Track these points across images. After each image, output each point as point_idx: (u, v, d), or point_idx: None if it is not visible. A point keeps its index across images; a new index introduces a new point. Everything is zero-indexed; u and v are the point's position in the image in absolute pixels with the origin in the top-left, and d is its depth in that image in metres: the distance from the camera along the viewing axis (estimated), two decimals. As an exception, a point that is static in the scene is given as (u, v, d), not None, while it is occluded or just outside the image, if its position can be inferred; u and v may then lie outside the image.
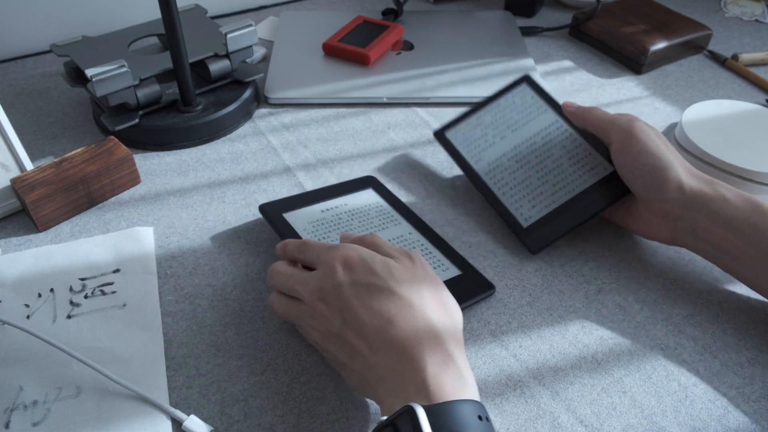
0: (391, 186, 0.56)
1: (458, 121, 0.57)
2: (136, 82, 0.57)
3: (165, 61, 0.60)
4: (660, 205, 0.46)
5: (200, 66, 0.62)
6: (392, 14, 0.80)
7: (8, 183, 0.51)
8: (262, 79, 0.69)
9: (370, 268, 0.37)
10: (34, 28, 0.74)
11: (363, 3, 0.87)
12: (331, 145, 0.61)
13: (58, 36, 0.74)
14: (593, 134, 0.52)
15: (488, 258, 0.50)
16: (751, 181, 0.54)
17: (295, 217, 0.50)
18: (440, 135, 0.56)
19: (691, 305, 0.47)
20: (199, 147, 0.61)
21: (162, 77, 0.61)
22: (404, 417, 0.30)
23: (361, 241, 0.41)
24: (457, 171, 0.59)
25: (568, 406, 0.40)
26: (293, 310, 0.40)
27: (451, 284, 0.46)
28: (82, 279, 0.47)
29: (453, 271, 0.48)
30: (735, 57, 0.75)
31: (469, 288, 0.46)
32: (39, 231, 0.51)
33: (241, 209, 0.54)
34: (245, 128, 0.64)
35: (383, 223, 0.51)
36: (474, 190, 0.56)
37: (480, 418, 0.31)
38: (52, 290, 0.46)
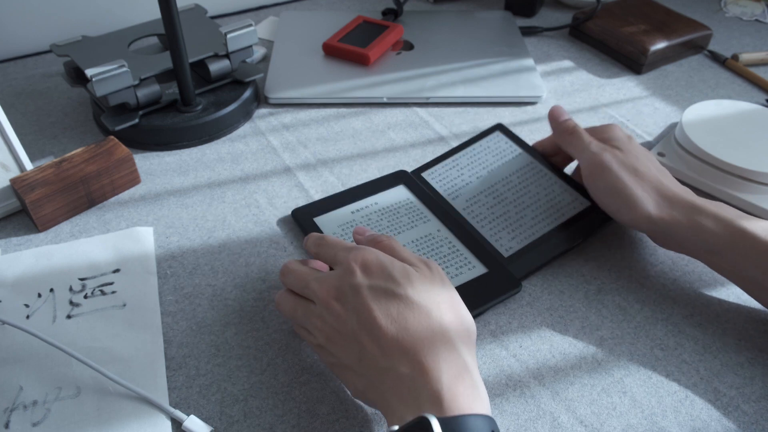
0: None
1: (434, 163, 0.57)
2: (136, 82, 0.57)
3: (165, 61, 0.60)
4: (637, 228, 0.48)
5: (200, 66, 0.62)
6: (392, 14, 0.80)
7: (8, 183, 0.51)
8: (262, 79, 0.69)
9: (389, 273, 0.37)
10: (34, 28, 0.74)
11: (363, 3, 0.87)
12: (331, 145, 0.61)
13: (58, 36, 0.74)
14: (567, 174, 0.54)
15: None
16: (751, 181, 0.54)
17: (325, 221, 0.51)
18: (417, 175, 0.56)
19: (691, 305, 0.47)
20: (199, 147, 0.61)
21: (162, 77, 0.61)
22: (417, 427, 0.30)
23: (377, 243, 0.41)
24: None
25: (568, 406, 0.40)
26: (300, 309, 0.40)
27: (477, 283, 0.46)
28: (82, 279, 0.47)
29: (479, 269, 0.47)
30: (735, 57, 0.75)
31: (494, 287, 0.46)
32: (39, 231, 0.51)
33: (241, 209, 0.54)
34: (245, 128, 0.64)
35: (412, 222, 0.51)
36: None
37: None
38: (51, 290, 0.46)
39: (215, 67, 0.62)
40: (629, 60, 0.74)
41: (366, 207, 0.52)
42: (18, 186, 0.50)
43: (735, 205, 0.54)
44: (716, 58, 0.76)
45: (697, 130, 0.58)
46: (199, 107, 0.61)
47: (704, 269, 0.50)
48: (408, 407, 0.33)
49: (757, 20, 0.86)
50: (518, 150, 0.57)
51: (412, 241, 0.49)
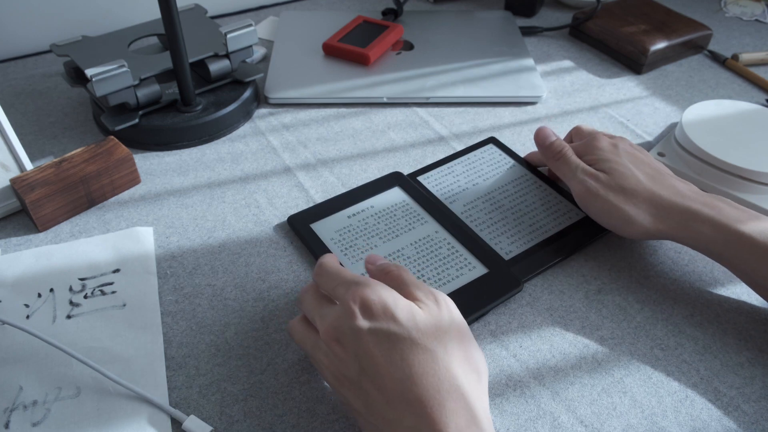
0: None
1: (429, 169, 0.57)
2: (136, 82, 0.57)
3: (165, 61, 0.60)
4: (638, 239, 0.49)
5: (200, 66, 0.62)
6: (392, 14, 0.80)
7: (8, 183, 0.51)
8: (262, 79, 0.69)
9: (392, 314, 0.34)
10: (34, 28, 0.74)
11: (363, 3, 0.87)
12: (331, 145, 0.61)
13: (58, 36, 0.74)
14: (562, 187, 0.55)
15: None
16: (751, 181, 0.54)
17: (322, 227, 0.51)
18: (413, 178, 0.56)
19: (691, 305, 0.47)
20: (199, 147, 0.61)
21: (162, 77, 0.61)
22: None
23: (386, 275, 0.38)
24: (457, 171, 0.59)
25: (568, 406, 0.40)
26: (309, 341, 0.38)
27: (478, 284, 0.46)
28: (82, 279, 0.47)
29: (480, 270, 0.47)
30: (735, 57, 0.75)
31: (495, 288, 0.46)
32: (39, 231, 0.51)
33: (241, 209, 0.54)
34: (245, 128, 0.64)
35: (409, 224, 0.51)
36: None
37: None
38: (51, 290, 0.46)
39: (215, 67, 0.62)
40: (629, 60, 0.74)
41: (362, 211, 0.52)
42: (18, 186, 0.50)
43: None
44: (716, 58, 0.76)
45: (697, 130, 0.58)
46: (199, 107, 0.61)
47: (704, 269, 0.50)
48: None
49: (757, 20, 0.86)
50: (512, 162, 0.58)
51: (411, 244, 0.49)
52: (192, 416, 0.39)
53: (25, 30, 0.73)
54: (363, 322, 0.34)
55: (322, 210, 0.52)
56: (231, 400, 0.40)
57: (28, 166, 0.52)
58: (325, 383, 0.41)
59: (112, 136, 0.56)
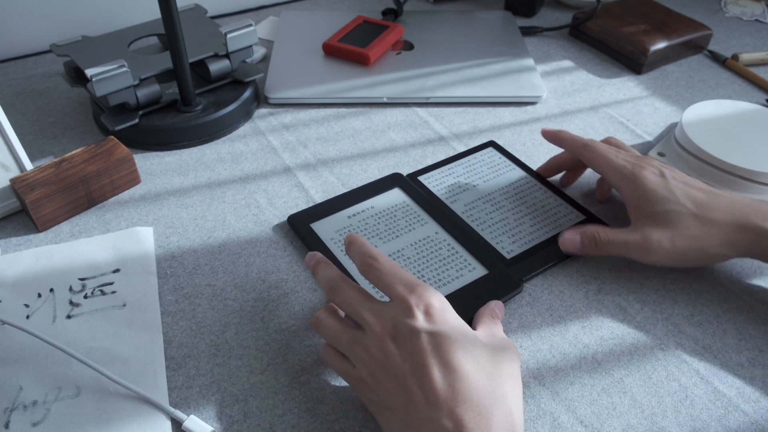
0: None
1: (429, 169, 0.58)
2: (136, 82, 0.57)
3: (165, 61, 0.60)
4: None
5: (200, 66, 0.62)
6: (392, 14, 0.80)
7: (8, 183, 0.51)
8: (262, 79, 0.69)
9: (451, 321, 0.36)
10: (34, 28, 0.74)
11: (363, 3, 0.87)
12: (331, 145, 0.61)
13: (58, 36, 0.74)
14: (560, 189, 0.55)
15: (488, 258, 0.50)
16: (751, 181, 0.54)
17: (322, 227, 0.51)
18: (413, 178, 0.56)
19: (691, 305, 0.47)
20: (199, 147, 0.61)
21: (162, 77, 0.61)
22: None
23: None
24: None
25: (568, 406, 0.40)
26: (346, 335, 0.37)
27: (478, 285, 0.46)
28: (82, 279, 0.47)
29: (480, 271, 0.47)
30: (735, 57, 0.75)
31: (495, 288, 0.46)
32: (39, 231, 0.51)
33: (241, 209, 0.54)
34: (245, 128, 0.64)
35: (409, 225, 0.51)
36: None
37: None
38: (51, 290, 0.46)
39: (215, 67, 0.62)
40: (629, 60, 0.74)
41: (363, 211, 0.52)
42: (18, 186, 0.50)
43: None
44: (716, 58, 0.76)
45: (697, 130, 0.58)
46: (199, 107, 0.61)
47: (704, 269, 0.50)
48: None
49: (757, 20, 0.86)
50: (512, 165, 0.58)
51: (411, 245, 0.49)
52: (192, 416, 0.39)
53: (25, 30, 0.73)
54: (424, 325, 0.35)
55: (322, 210, 0.52)
56: (231, 400, 0.40)
57: (28, 166, 0.52)
58: (332, 381, 0.41)
59: (112, 136, 0.56)
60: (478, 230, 0.51)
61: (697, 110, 0.60)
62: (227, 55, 0.62)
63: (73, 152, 0.54)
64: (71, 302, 0.45)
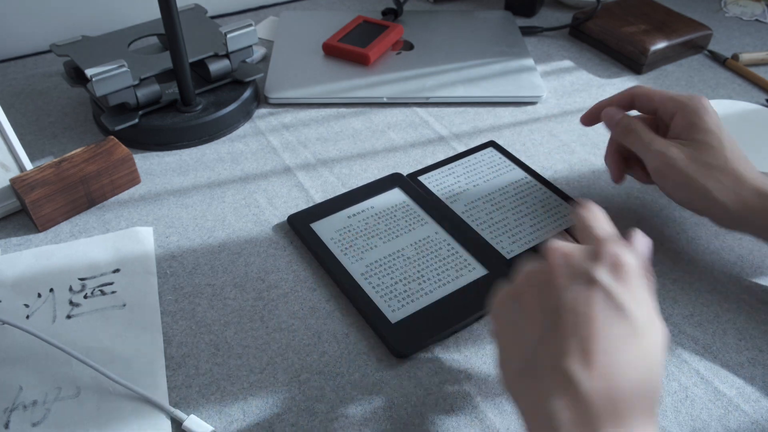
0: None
1: (429, 169, 0.58)
2: (136, 82, 0.57)
3: (165, 61, 0.60)
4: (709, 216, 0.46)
5: (200, 66, 0.62)
6: (392, 14, 0.80)
7: (8, 183, 0.51)
8: (262, 79, 0.69)
9: (634, 285, 0.31)
10: (34, 28, 0.74)
11: (363, 3, 0.87)
12: (331, 145, 0.62)
13: (58, 36, 0.73)
14: (560, 189, 0.55)
15: (488, 258, 0.50)
16: (751, 180, 0.54)
17: (322, 226, 0.51)
18: (413, 178, 0.56)
19: (691, 305, 0.47)
20: (199, 147, 0.61)
21: (162, 77, 0.61)
22: None
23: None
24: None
25: (567, 405, 0.40)
26: (532, 267, 0.34)
27: (478, 285, 0.46)
28: (82, 279, 0.47)
29: (480, 271, 0.47)
30: (735, 57, 0.75)
31: (495, 289, 0.46)
32: (39, 231, 0.51)
33: (241, 209, 0.54)
34: (245, 128, 0.64)
35: (409, 225, 0.51)
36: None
37: None
38: (51, 290, 0.46)
39: (215, 67, 0.62)
40: (629, 60, 0.74)
41: (363, 211, 0.52)
42: (18, 186, 0.50)
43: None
44: (716, 58, 0.76)
45: (697, 130, 0.58)
46: (199, 107, 0.61)
47: (704, 269, 0.50)
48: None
49: (757, 20, 0.86)
50: (512, 165, 0.58)
51: (411, 245, 0.49)
52: (192, 416, 0.39)
53: (25, 30, 0.73)
54: (604, 276, 0.31)
55: (322, 210, 0.52)
56: (231, 399, 0.40)
57: (28, 166, 0.53)
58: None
59: (112, 136, 0.56)
60: (478, 230, 0.51)
61: (697, 110, 0.60)
62: (227, 55, 0.62)
63: (73, 152, 0.54)
64: (71, 302, 0.45)
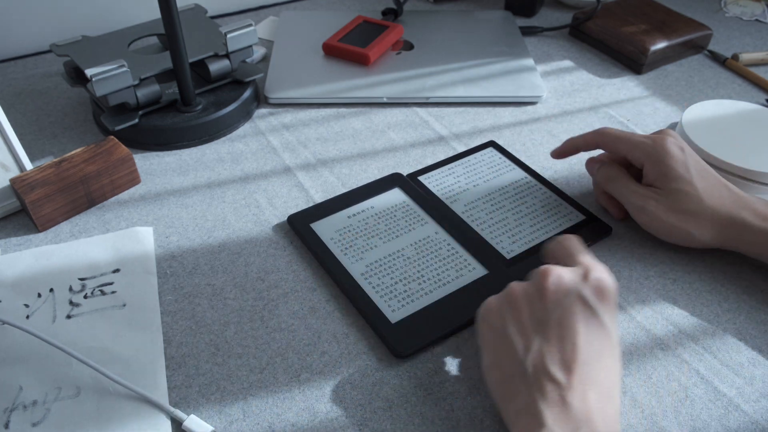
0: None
1: (429, 169, 0.58)
2: (136, 82, 0.57)
3: (165, 61, 0.60)
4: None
5: (200, 66, 0.62)
6: (392, 14, 0.80)
7: (8, 183, 0.51)
8: (262, 79, 0.69)
9: (611, 307, 0.36)
10: (34, 28, 0.74)
11: (363, 3, 0.87)
12: (331, 145, 0.61)
13: (58, 36, 0.73)
14: (560, 189, 0.55)
15: (488, 258, 0.50)
16: (751, 181, 0.54)
17: (322, 226, 0.51)
18: (413, 178, 0.56)
19: (691, 305, 0.47)
20: (199, 147, 0.61)
21: (162, 77, 0.61)
22: None
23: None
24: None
25: (567, 405, 0.40)
26: (520, 287, 0.39)
27: (478, 285, 0.46)
28: (82, 279, 0.47)
29: (480, 271, 0.47)
30: (735, 57, 0.75)
31: (494, 289, 0.45)
32: (39, 231, 0.51)
33: (241, 209, 0.54)
34: (245, 128, 0.64)
35: (409, 225, 0.51)
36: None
37: None
38: (51, 290, 0.46)
39: (215, 67, 0.62)
40: (629, 60, 0.74)
41: (363, 211, 0.52)
42: (18, 186, 0.50)
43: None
44: (716, 58, 0.76)
45: (697, 130, 0.58)
46: (199, 107, 0.61)
47: (704, 269, 0.50)
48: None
49: (757, 20, 0.86)
50: (512, 165, 0.58)
51: (411, 245, 0.49)
52: (192, 416, 0.39)
53: (25, 30, 0.73)
54: (590, 296, 0.36)
55: (322, 210, 0.52)
56: (231, 399, 0.40)
57: (28, 166, 0.53)
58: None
59: (112, 136, 0.56)
60: (478, 230, 0.51)
61: (697, 110, 0.60)
62: (227, 55, 0.62)
63: (73, 152, 0.54)
64: (71, 302, 0.45)
